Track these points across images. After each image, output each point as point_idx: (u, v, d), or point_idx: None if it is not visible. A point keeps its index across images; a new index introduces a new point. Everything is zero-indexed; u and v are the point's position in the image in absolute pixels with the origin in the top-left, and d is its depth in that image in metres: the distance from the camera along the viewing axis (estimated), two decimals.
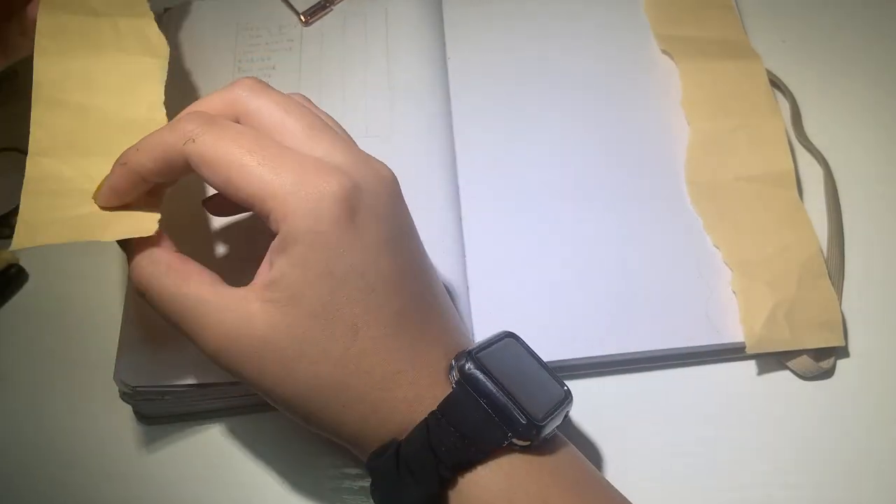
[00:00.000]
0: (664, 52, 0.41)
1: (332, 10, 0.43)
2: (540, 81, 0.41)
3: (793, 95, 0.39)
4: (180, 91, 0.40)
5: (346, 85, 0.40)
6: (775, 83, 0.40)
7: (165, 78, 0.32)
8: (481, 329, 0.34)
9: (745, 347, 0.32)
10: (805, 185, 0.37)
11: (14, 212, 0.39)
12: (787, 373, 0.33)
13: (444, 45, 0.42)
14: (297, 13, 0.42)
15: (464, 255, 0.36)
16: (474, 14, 0.43)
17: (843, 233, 0.36)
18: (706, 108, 0.38)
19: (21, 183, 0.38)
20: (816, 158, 0.38)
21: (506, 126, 0.39)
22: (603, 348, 0.33)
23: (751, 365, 0.34)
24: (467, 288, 0.35)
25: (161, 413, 0.35)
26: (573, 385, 0.27)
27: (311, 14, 0.42)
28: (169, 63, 0.40)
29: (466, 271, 0.35)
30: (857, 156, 0.38)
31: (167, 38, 0.41)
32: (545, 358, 0.27)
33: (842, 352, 0.33)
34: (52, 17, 0.33)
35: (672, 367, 0.34)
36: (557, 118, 0.39)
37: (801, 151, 0.38)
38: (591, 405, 0.33)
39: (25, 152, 0.39)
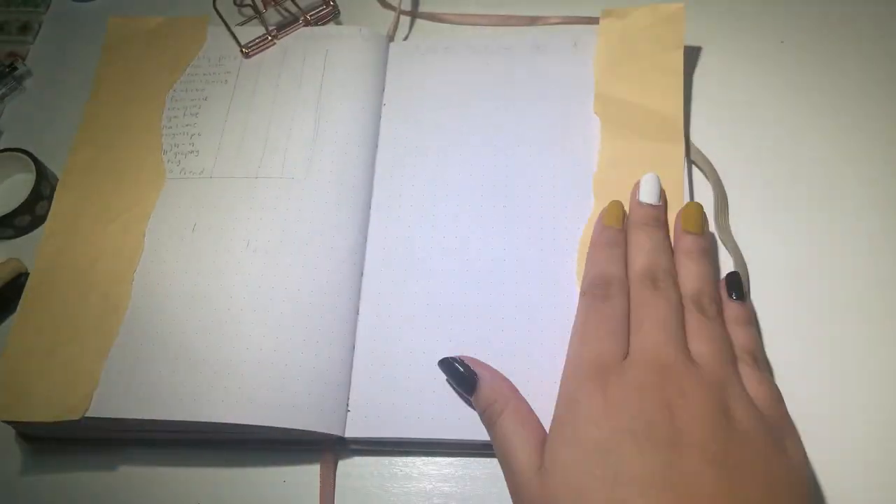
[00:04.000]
0: (596, 113, 0.39)
1: (274, 44, 0.42)
2: (473, 142, 0.39)
3: (720, 182, 0.38)
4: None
5: (271, 121, 0.40)
6: (701, 166, 0.38)
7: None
8: (355, 398, 0.33)
9: None
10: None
11: (15, 212, 0.39)
12: None
13: (382, 92, 0.41)
14: (239, 44, 0.42)
15: (356, 313, 0.35)
16: (419, 67, 0.42)
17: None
18: (613, 189, 0.36)
19: (25, 183, 0.40)
20: (731, 252, 0.36)
21: (427, 184, 0.38)
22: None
23: None
24: (353, 348, 0.34)
25: (45, 435, 0.35)
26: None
27: (253, 47, 0.42)
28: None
29: (356, 331, 0.35)
30: (774, 252, 0.36)
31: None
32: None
33: None
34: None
35: None
36: (478, 183, 0.38)
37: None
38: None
39: (28, 153, 0.41)
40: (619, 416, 0.27)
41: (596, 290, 0.32)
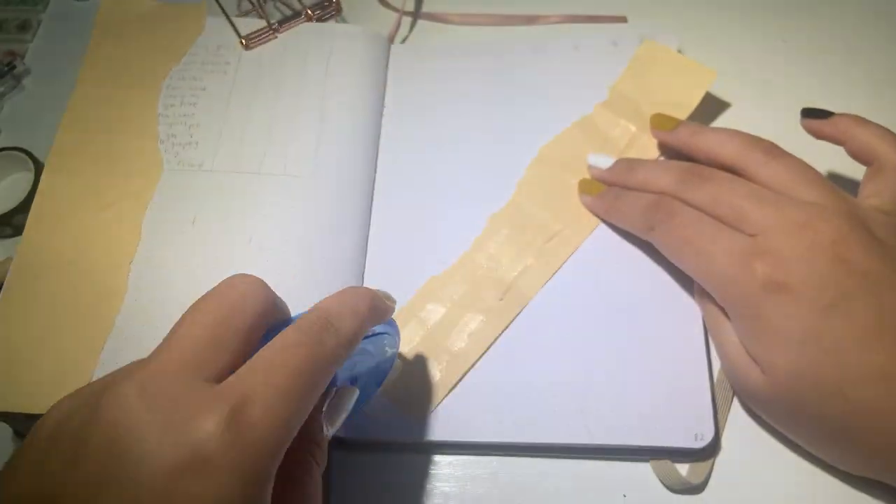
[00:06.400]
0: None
1: (276, 38, 0.42)
2: (475, 142, 0.39)
3: None
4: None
5: (273, 118, 0.39)
6: None
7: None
8: None
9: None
10: None
11: (14, 211, 0.39)
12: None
13: (383, 94, 0.41)
14: (239, 35, 0.42)
15: None
16: (419, 70, 0.42)
17: None
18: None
19: (24, 182, 0.40)
20: None
21: (428, 187, 0.38)
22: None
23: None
24: None
25: None
26: None
27: (253, 39, 0.42)
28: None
29: None
30: None
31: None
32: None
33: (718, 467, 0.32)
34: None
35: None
36: (479, 188, 0.38)
37: None
38: None
39: (27, 152, 0.40)
40: (808, 297, 0.27)
41: (666, 215, 0.31)
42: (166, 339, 0.22)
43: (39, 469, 0.20)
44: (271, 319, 0.24)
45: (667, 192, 0.32)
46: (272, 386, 0.20)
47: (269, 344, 0.22)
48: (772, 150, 0.31)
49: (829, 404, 0.27)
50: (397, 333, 0.30)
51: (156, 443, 0.19)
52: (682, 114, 0.37)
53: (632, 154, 0.37)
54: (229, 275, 0.34)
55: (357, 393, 0.26)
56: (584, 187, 0.37)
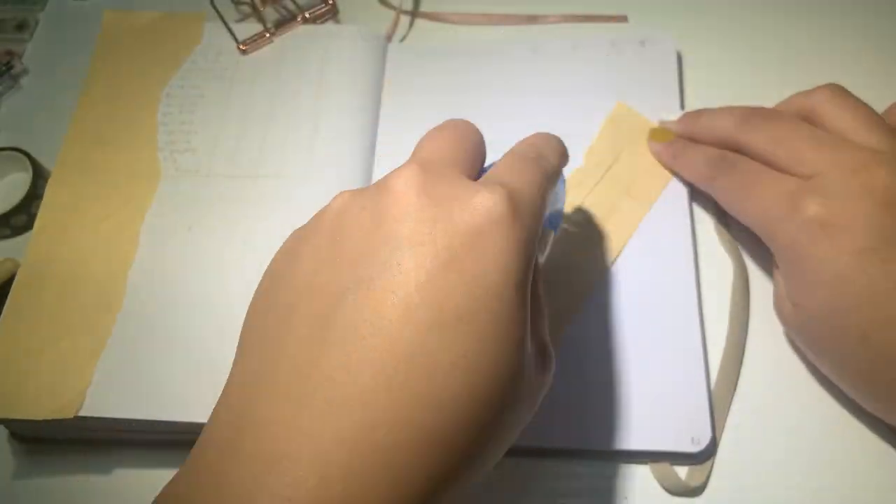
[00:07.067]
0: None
1: (272, 41, 0.42)
2: None
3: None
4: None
5: (269, 121, 0.39)
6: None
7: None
8: None
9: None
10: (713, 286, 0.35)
11: (14, 211, 0.39)
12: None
13: (380, 94, 0.41)
14: (237, 40, 0.42)
15: None
16: (418, 69, 0.42)
17: (744, 344, 0.34)
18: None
19: (22, 182, 0.40)
20: (732, 258, 0.36)
21: None
22: None
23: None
24: None
25: (39, 435, 0.34)
26: None
27: (250, 42, 0.42)
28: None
29: None
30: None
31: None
32: None
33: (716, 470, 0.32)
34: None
35: None
36: None
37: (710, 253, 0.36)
38: None
39: (24, 152, 0.40)
40: (848, 238, 0.27)
41: (729, 165, 0.33)
42: (414, 153, 0.24)
43: (338, 236, 0.21)
44: (484, 157, 0.26)
45: (730, 134, 0.33)
46: (523, 180, 0.23)
47: (497, 163, 0.24)
48: (840, 93, 0.31)
49: (852, 349, 0.27)
50: (565, 190, 0.30)
51: (449, 209, 0.21)
52: (660, 179, 0.37)
53: (613, 221, 0.36)
54: (226, 279, 0.35)
55: (553, 235, 0.28)
56: (655, 135, 0.38)
